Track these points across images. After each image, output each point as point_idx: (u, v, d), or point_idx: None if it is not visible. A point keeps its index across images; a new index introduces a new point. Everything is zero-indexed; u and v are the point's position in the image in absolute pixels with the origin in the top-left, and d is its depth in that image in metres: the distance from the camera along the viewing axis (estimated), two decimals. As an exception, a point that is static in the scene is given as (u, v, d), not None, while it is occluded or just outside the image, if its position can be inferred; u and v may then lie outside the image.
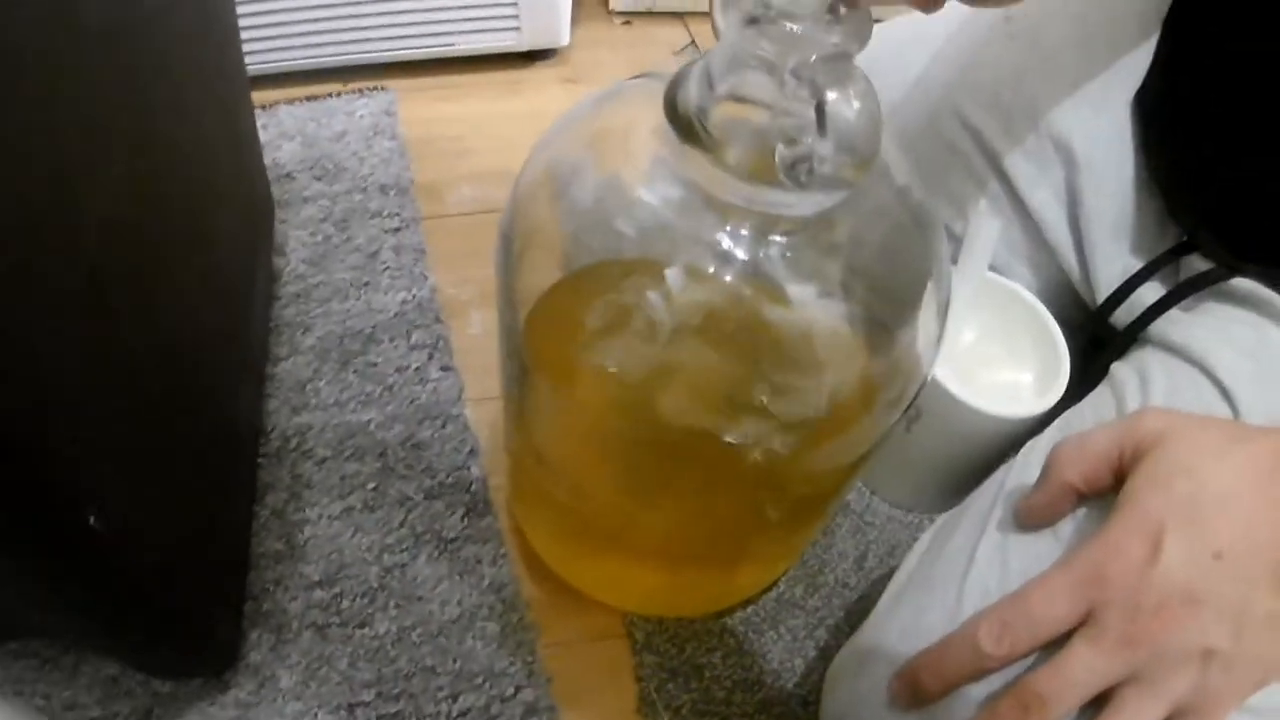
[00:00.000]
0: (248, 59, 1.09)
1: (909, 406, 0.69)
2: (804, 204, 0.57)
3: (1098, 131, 0.90)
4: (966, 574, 0.69)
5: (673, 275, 0.61)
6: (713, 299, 0.62)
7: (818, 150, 0.53)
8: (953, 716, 0.64)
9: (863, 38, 0.52)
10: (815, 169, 0.53)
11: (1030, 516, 0.68)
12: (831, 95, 0.51)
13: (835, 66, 0.53)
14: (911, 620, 0.70)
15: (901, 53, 1.03)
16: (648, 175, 0.61)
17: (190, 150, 0.83)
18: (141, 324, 0.69)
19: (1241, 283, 0.81)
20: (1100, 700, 0.58)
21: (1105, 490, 0.65)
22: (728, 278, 0.61)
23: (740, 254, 0.60)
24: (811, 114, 0.52)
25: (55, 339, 0.55)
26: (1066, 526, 0.67)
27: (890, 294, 0.68)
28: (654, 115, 0.59)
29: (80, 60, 0.60)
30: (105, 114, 0.63)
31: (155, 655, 0.83)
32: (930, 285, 0.65)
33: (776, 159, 0.54)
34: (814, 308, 0.63)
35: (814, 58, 0.52)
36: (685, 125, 0.56)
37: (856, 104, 0.52)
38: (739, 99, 0.56)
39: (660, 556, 0.84)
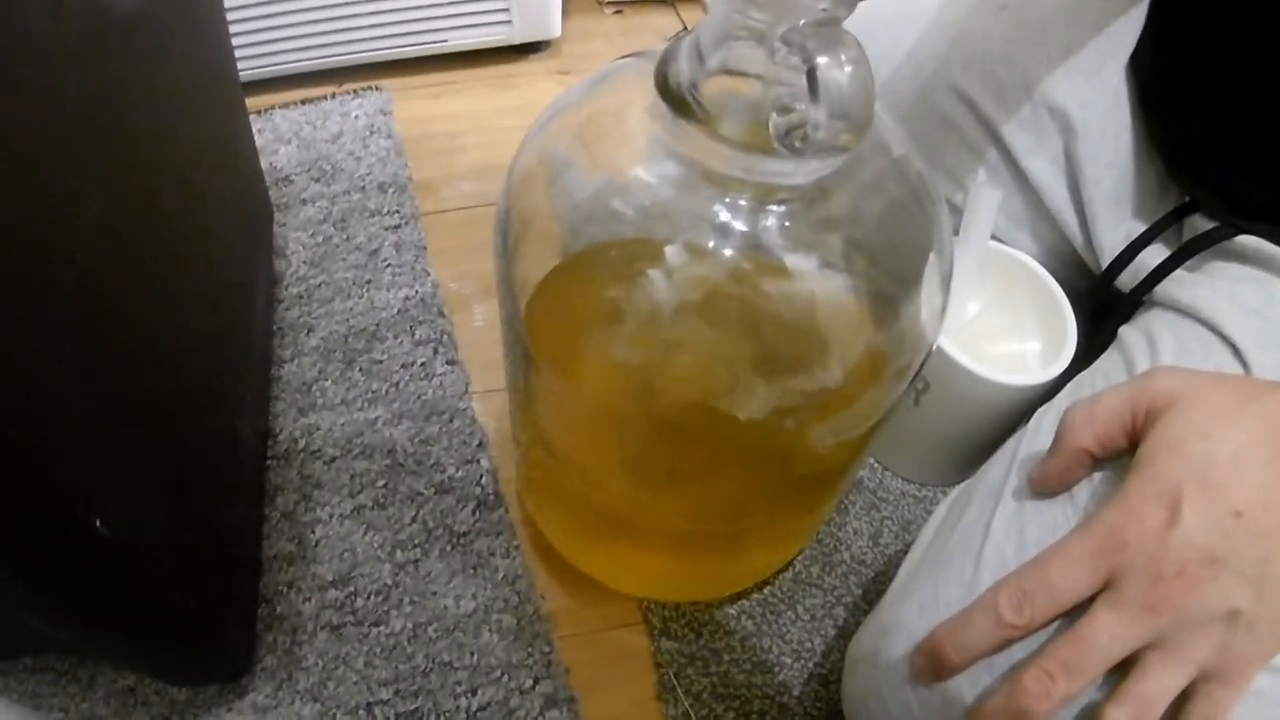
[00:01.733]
0: (240, 64, 1.09)
1: (915, 378, 0.68)
2: (800, 172, 0.57)
3: (1093, 97, 0.90)
4: (983, 545, 0.68)
5: (673, 252, 0.61)
6: (714, 274, 0.62)
7: (811, 116, 0.52)
8: (975, 689, 0.63)
9: (851, 1, 0.52)
10: (810, 135, 0.53)
11: (1045, 483, 0.68)
12: (822, 60, 0.51)
13: (825, 31, 0.52)
14: (930, 595, 0.70)
15: (890, 27, 1.02)
16: (643, 154, 0.61)
17: (182, 158, 0.83)
18: (139, 331, 0.69)
19: (1246, 240, 0.80)
20: (1124, 666, 0.58)
21: (1119, 453, 0.64)
22: (728, 252, 0.61)
23: (739, 226, 0.60)
24: (803, 81, 0.52)
25: (52, 351, 0.55)
26: (1082, 492, 0.66)
27: (892, 265, 0.68)
28: (646, 94, 0.58)
29: (69, 71, 0.60)
30: (96, 126, 0.62)
31: (169, 663, 0.83)
32: (932, 256, 0.65)
33: (770, 128, 0.54)
34: (816, 279, 0.63)
35: (803, 23, 0.51)
36: (678, 100, 0.56)
37: (849, 69, 0.52)
38: (730, 72, 0.55)
39: (674, 540, 0.84)
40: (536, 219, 0.68)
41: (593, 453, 0.78)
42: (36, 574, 0.62)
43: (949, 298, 0.67)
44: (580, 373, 0.70)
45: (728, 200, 0.59)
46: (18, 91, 0.53)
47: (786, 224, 0.60)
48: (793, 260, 0.61)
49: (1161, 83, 0.87)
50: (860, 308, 0.66)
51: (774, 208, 0.59)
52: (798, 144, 0.54)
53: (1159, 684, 0.57)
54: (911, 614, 0.70)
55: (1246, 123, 0.81)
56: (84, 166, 0.60)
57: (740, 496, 0.76)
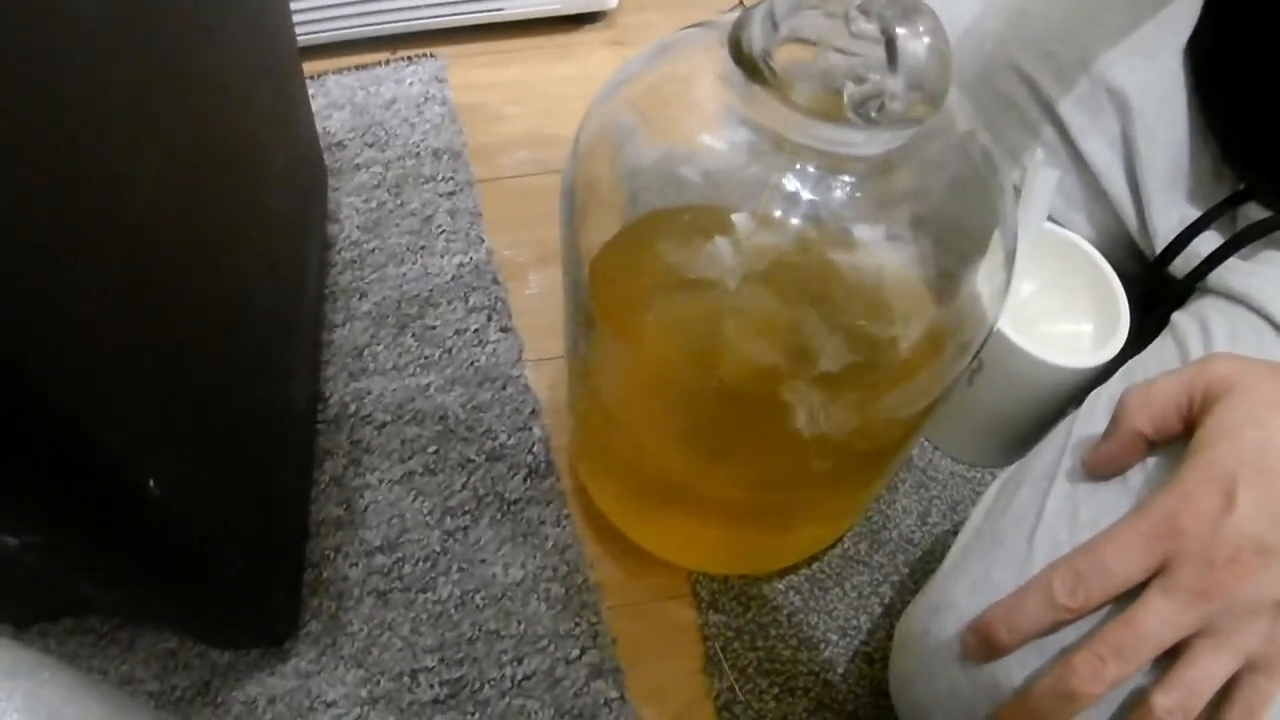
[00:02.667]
0: (296, 30, 1.08)
1: (974, 356, 0.68)
2: (872, 142, 0.57)
3: (1151, 80, 0.90)
4: (1036, 527, 0.68)
5: (740, 220, 0.61)
6: (780, 242, 0.62)
7: (889, 87, 0.52)
8: (1025, 670, 0.63)
9: (928, -28, 0.52)
10: (886, 106, 0.53)
11: (1099, 466, 0.68)
12: (901, 31, 0.51)
13: (902, 1, 0.52)
14: (981, 574, 0.69)
15: (950, 2, 1.02)
16: (712, 121, 0.61)
17: (238, 123, 0.84)
18: (192, 295, 0.69)
19: (1300, 230, 0.80)
20: (1172, 652, 0.58)
21: (1174, 438, 0.64)
22: (795, 220, 0.61)
23: (807, 195, 0.60)
24: (877, 52, 0.52)
25: (106, 312, 0.55)
26: (1136, 476, 0.66)
27: (957, 240, 0.67)
28: (715, 62, 0.58)
29: (128, 30, 0.60)
30: (147, 90, 0.63)
31: (215, 626, 0.84)
32: (996, 232, 0.65)
33: (845, 97, 0.54)
34: (882, 251, 0.63)
35: (881, -7, 0.51)
36: (751, 66, 0.56)
37: (926, 40, 0.52)
38: (803, 40, 0.55)
39: (726, 512, 0.84)
40: (602, 185, 0.68)
41: (650, 421, 0.78)
42: (90, 536, 0.63)
43: (1011, 275, 0.67)
44: (643, 338, 0.71)
45: (797, 168, 0.59)
46: (75, 56, 0.53)
47: (856, 195, 0.60)
48: (860, 231, 0.61)
49: (1218, 67, 0.87)
50: (925, 282, 0.66)
51: (843, 178, 0.59)
52: (873, 114, 0.54)
53: (1206, 671, 0.57)
54: (962, 593, 0.70)
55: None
56: (140, 129, 0.61)
57: (796, 469, 0.76)
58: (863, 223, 0.61)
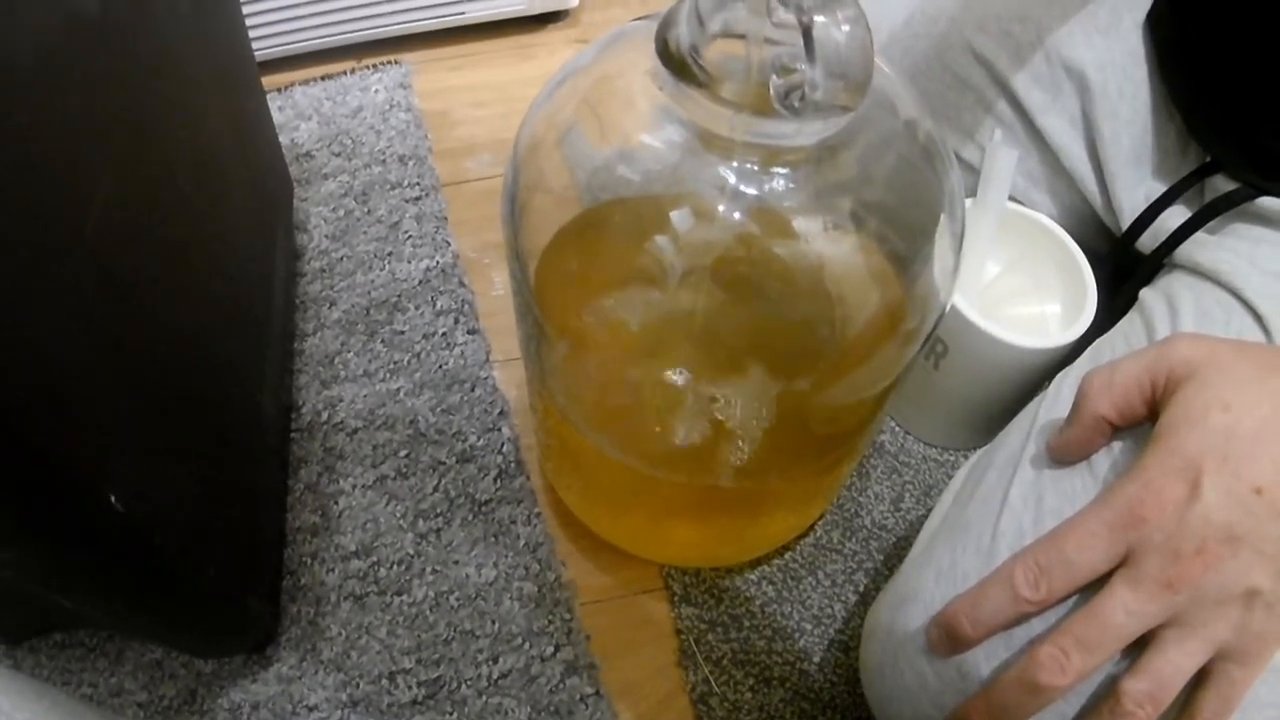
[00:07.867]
0: (260, 43, 1.09)
1: (928, 339, 0.68)
2: (803, 133, 0.56)
3: (1109, 56, 0.90)
4: (1000, 514, 0.68)
5: (679, 216, 0.61)
6: (721, 238, 0.62)
7: (808, 76, 0.52)
8: (991, 662, 0.63)
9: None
10: (807, 95, 0.52)
11: (1063, 452, 0.67)
12: (819, 19, 0.51)
13: (821, -9, 0.52)
14: (947, 563, 0.69)
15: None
16: (648, 119, 0.61)
17: (196, 137, 0.84)
18: (153, 308, 0.69)
19: (1268, 202, 0.80)
20: (1143, 642, 0.58)
21: (1139, 421, 0.64)
22: (735, 215, 0.61)
23: (745, 190, 0.59)
24: (801, 41, 0.51)
25: (65, 327, 0.55)
26: (1101, 461, 0.66)
27: (903, 227, 0.67)
28: (649, 58, 0.58)
29: (77, 51, 0.60)
30: (103, 106, 0.63)
31: (195, 636, 0.84)
32: (943, 217, 0.65)
33: (771, 90, 0.54)
34: (824, 241, 0.62)
35: (799, -17, 0.51)
36: (679, 64, 0.56)
37: (846, 28, 0.52)
38: (731, 35, 0.55)
39: (692, 505, 0.84)
40: (543, 185, 0.68)
41: (606, 419, 0.77)
42: (53, 549, 0.63)
43: (961, 259, 0.67)
44: (588, 338, 0.70)
45: (734, 164, 0.59)
46: (21, 70, 0.53)
47: (792, 186, 0.60)
48: (800, 222, 0.61)
49: (1179, 38, 0.86)
50: (871, 269, 0.66)
51: (780, 170, 0.59)
52: (796, 104, 0.54)
53: (1175, 661, 0.56)
54: (928, 583, 0.70)
55: (1266, 77, 0.80)
56: (92, 144, 0.61)
57: (757, 460, 0.76)
58: (805, 213, 0.61)
